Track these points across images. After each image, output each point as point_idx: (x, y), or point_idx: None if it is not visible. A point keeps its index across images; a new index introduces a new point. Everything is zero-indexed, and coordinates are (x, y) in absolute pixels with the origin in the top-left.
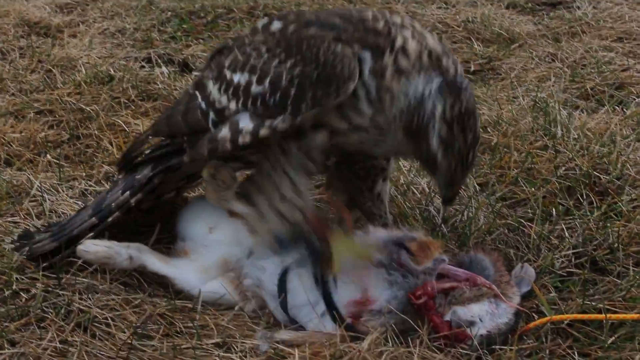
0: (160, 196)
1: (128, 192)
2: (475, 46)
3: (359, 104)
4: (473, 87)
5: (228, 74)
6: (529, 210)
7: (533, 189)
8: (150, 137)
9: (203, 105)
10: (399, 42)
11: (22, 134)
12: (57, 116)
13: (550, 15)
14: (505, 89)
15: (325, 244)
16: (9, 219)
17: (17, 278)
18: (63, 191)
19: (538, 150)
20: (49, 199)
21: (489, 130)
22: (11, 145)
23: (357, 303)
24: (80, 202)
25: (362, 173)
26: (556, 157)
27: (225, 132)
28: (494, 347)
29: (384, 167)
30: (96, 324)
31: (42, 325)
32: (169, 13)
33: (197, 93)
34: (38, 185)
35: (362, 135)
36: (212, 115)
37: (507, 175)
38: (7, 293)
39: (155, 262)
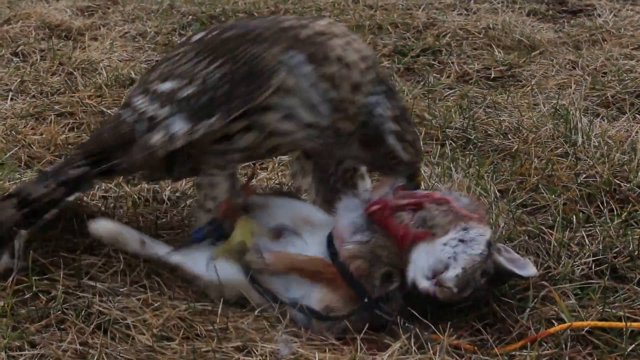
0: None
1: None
2: (496, 53)
3: (315, 105)
4: (493, 93)
5: (155, 85)
6: (550, 217)
7: (553, 196)
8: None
9: (130, 118)
10: (337, 51)
11: (43, 136)
12: (77, 119)
13: (571, 23)
14: (526, 96)
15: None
16: None
17: (37, 280)
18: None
19: (558, 158)
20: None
21: (509, 137)
22: (32, 147)
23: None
24: (100, 204)
25: (339, 178)
26: (577, 165)
27: (158, 137)
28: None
29: (355, 167)
30: (116, 326)
31: (62, 327)
32: (190, 17)
33: (124, 111)
34: None
35: (314, 135)
36: (141, 125)
37: (528, 182)
38: (27, 295)
39: (165, 249)
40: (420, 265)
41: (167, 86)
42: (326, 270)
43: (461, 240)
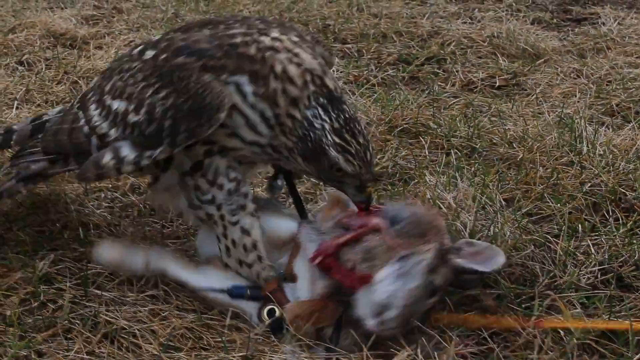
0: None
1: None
2: (501, 61)
3: (255, 125)
4: (498, 102)
5: (108, 100)
6: (555, 226)
7: (559, 204)
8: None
9: (86, 128)
10: (278, 68)
11: None
12: None
13: (576, 32)
14: (531, 105)
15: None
16: (36, 228)
17: (44, 289)
18: (89, 202)
19: (564, 166)
20: (75, 210)
21: (514, 145)
22: None
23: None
24: (106, 214)
25: None
26: (582, 174)
27: (108, 158)
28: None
29: None
30: (123, 336)
31: (69, 336)
32: None
33: (81, 114)
34: (64, 196)
35: (257, 152)
36: (94, 140)
37: (533, 191)
38: (34, 304)
39: (176, 269)
40: (363, 305)
41: (116, 105)
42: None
43: (399, 275)
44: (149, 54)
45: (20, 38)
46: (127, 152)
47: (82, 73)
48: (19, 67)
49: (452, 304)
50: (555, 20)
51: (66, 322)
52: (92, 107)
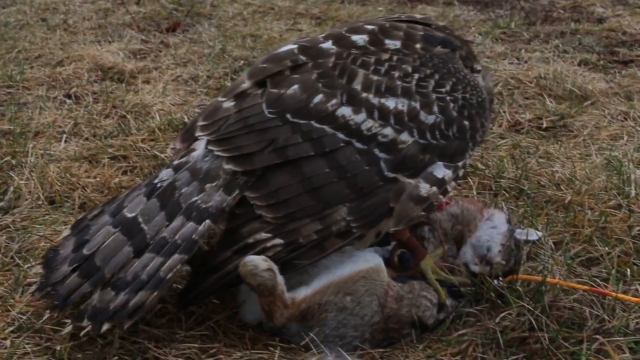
0: None
1: (209, 221)
2: (548, 102)
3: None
4: (545, 143)
5: (374, 99)
6: (604, 270)
7: (607, 248)
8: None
9: (358, 146)
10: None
11: (97, 179)
12: (131, 162)
13: (622, 74)
14: (578, 147)
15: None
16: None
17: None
18: None
19: (612, 210)
20: None
21: (562, 187)
22: (86, 190)
23: None
24: None
25: None
26: (630, 217)
27: (427, 187)
28: None
29: None
30: None
31: None
32: (242, 61)
33: (341, 135)
34: None
35: None
36: (380, 154)
37: (581, 234)
38: (83, 339)
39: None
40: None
41: (393, 104)
42: None
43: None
44: (393, 42)
45: (68, 71)
46: (442, 171)
47: (130, 107)
48: (67, 101)
49: (503, 343)
50: (602, 62)
51: (116, 357)
52: (347, 113)
